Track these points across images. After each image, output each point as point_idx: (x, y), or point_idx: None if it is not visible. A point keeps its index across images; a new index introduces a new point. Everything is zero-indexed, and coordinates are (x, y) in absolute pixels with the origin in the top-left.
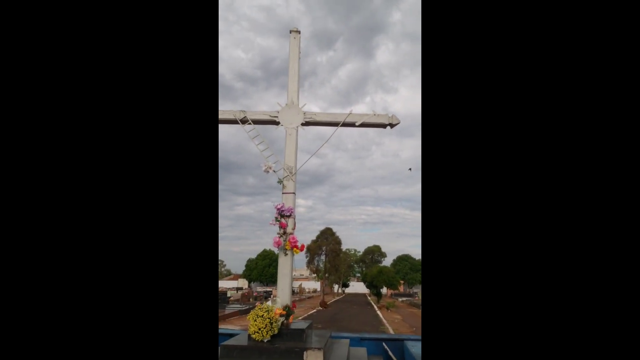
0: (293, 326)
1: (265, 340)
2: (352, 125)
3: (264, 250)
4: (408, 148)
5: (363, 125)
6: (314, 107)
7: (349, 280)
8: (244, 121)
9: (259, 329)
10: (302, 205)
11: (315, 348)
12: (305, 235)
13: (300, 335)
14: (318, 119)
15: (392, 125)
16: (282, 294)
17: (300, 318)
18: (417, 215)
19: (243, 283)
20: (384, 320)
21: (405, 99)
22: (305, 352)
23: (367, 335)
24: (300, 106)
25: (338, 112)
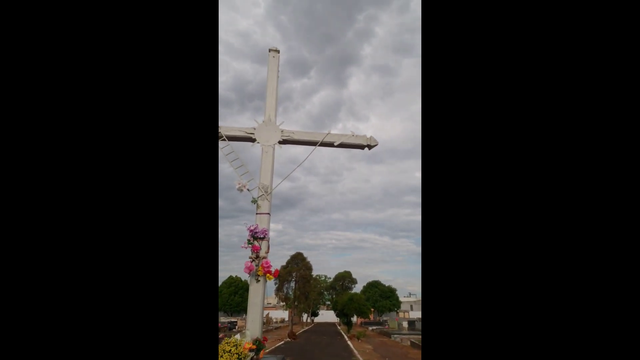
0: None
1: None
2: (330, 145)
3: (230, 277)
4: (377, 174)
5: (341, 145)
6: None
7: (318, 308)
8: (218, 137)
9: None
10: (272, 229)
11: None
12: (275, 260)
13: None
14: (296, 137)
15: (370, 147)
16: (252, 326)
17: (267, 351)
18: (387, 240)
19: None
20: (355, 351)
21: (376, 127)
22: None
23: None
24: (277, 124)
25: (316, 131)
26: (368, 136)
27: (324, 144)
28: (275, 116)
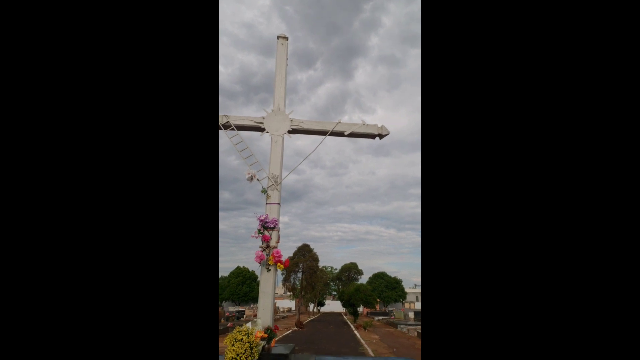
0: (274, 351)
1: None
2: (340, 134)
3: (238, 268)
4: (383, 166)
5: (352, 135)
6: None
7: (324, 298)
8: (226, 126)
9: (238, 355)
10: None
11: None
12: (282, 252)
13: None
14: (305, 126)
15: (381, 136)
16: (263, 314)
17: (275, 340)
18: (393, 232)
19: None
20: (362, 341)
21: (382, 119)
22: None
23: (351, 359)
24: (287, 113)
25: (325, 121)
26: (379, 125)
27: (334, 134)
28: (285, 105)
